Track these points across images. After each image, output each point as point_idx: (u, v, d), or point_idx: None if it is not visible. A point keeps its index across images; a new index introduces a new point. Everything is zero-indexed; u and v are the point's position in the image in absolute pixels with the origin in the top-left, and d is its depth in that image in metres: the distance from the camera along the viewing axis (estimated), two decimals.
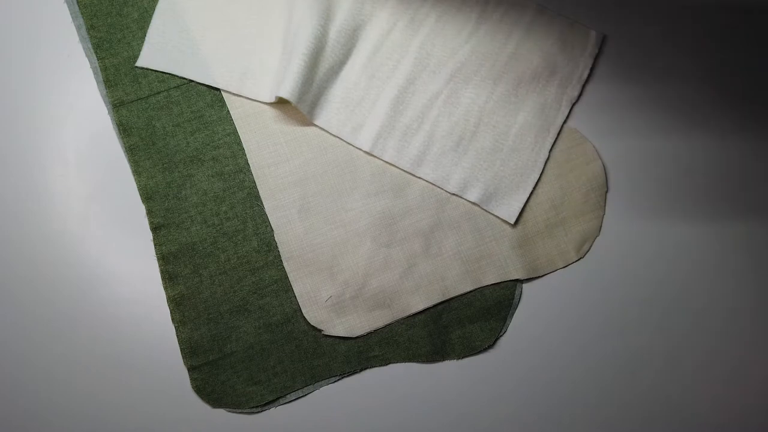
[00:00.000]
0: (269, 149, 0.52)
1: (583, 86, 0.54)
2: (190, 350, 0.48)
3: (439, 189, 0.52)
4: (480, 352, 0.49)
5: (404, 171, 0.52)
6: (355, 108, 0.53)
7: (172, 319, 0.49)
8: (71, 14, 0.55)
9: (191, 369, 0.48)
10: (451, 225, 0.51)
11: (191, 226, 0.50)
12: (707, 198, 0.53)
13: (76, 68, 0.54)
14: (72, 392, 0.47)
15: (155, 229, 0.50)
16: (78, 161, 0.52)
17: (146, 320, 0.49)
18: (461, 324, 0.50)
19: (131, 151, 0.52)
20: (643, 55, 0.55)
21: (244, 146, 0.52)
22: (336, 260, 0.50)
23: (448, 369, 0.49)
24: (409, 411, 0.48)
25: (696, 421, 0.48)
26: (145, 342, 0.48)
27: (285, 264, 0.50)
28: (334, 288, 0.49)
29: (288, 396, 0.48)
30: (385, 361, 0.49)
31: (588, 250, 0.51)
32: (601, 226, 0.52)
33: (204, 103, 0.53)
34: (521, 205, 0.51)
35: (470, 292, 0.50)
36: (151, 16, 0.55)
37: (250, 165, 0.52)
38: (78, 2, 0.55)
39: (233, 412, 0.47)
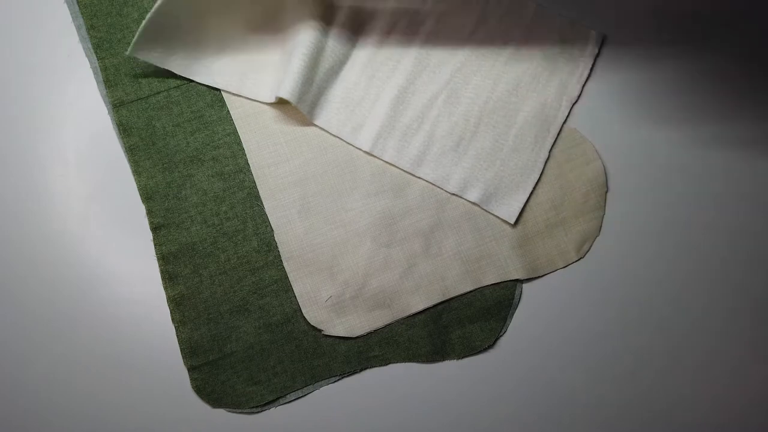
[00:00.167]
0: (269, 149, 0.52)
1: (583, 86, 0.54)
2: (190, 350, 0.48)
3: (439, 189, 0.52)
4: (480, 352, 0.49)
5: (404, 171, 0.52)
6: (355, 108, 0.53)
7: (172, 319, 0.49)
8: (71, 14, 0.55)
9: (191, 369, 0.48)
10: (451, 225, 0.51)
11: (191, 226, 0.50)
12: (708, 198, 0.53)
13: (76, 68, 0.54)
14: (72, 392, 0.47)
15: (155, 229, 0.50)
16: (78, 161, 0.52)
17: (146, 320, 0.49)
18: (461, 324, 0.50)
19: (131, 151, 0.52)
20: (643, 55, 0.55)
21: (244, 146, 0.52)
22: (336, 260, 0.50)
23: (448, 369, 0.49)
24: (409, 411, 0.48)
25: (696, 421, 0.48)
26: (145, 342, 0.48)
27: (285, 264, 0.50)
28: (334, 288, 0.49)
29: (288, 396, 0.48)
30: (385, 361, 0.49)
31: (588, 250, 0.51)
32: (601, 226, 0.52)
33: (204, 103, 0.53)
34: (521, 205, 0.51)
35: (470, 292, 0.50)
36: None
37: (250, 165, 0.52)
38: (78, 2, 0.55)
39: (233, 412, 0.47)
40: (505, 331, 0.50)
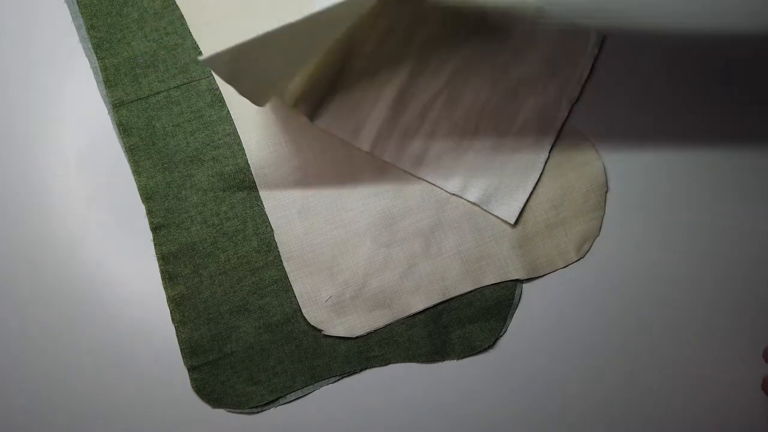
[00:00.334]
0: (269, 149, 0.52)
1: (583, 86, 0.54)
2: (190, 350, 0.48)
3: (438, 189, 0.52)
4: (480, 352, 0.49)
5: (404, 171, 0.52)
6: (354, 108, 0.53)
7: (172, 319, 0.49)
8: (71, 14, 0.55)
9: (191, 369, 0.48)
10: (451, 225, 0.51)
11: (191, 226, 0.50)
12: (708, 198, 0.53)
13: (76, 68, 0.54)
14: (71, 392, 0.47)
15: (155, 229, 0.50)
16: (78, 161, 0.52)
17: (146, 320, 0.49)
18: (461, 324, 0.50)
19: (131, 151, 0.52)
20: (644, 56, 0.55)
21: (244, 146, 0.52)
22: (336, 260, 0.50)
23: (448, 369, 0.49)
24: (409, 411, 0.48)
25: (696, 422, 0.48)
26: (145, 342, 0.48)
27: (285, 264, 0.50)
28: (334, 288, 0.49)
29: (288, 396, 0.48)
30: (385, 361, 0.49)
31: (588, 250, 0.51)
32: (601, 226, 0.52)
33: (204, 103, 0.53)
34: (521, 205, 0.51)
35: (470, 292, 0.50)
36: (151, 16, 0.55)
37: (250, 165, 0.52)
38: (78, 2, 0.55)
39: (233, 412, 0.47)
40: (505, 331, 0.50)
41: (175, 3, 0.56)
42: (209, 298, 0.49)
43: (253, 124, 0.53)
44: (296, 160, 0.52)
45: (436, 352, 0.49)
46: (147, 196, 0.51)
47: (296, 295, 0.49)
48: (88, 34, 0.54)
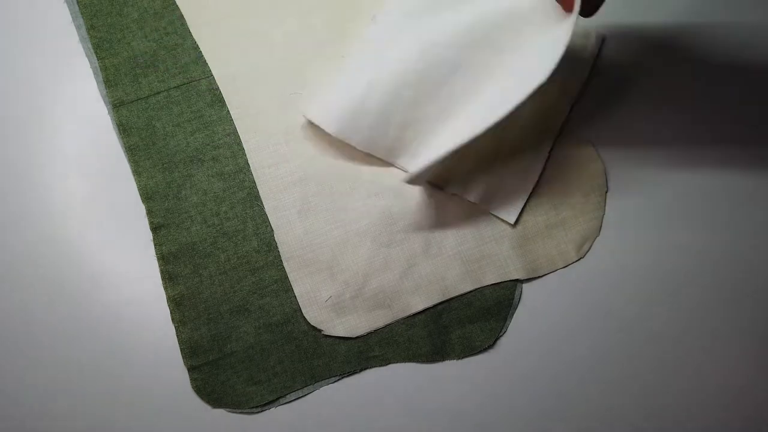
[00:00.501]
0: (269, 149, 0.52)
1: (584, 86, 0.54)
2: (190, 350, 0.48)
3: (439, 189, 0.52)
4: (480, 352, 0.49)
5: (404, 171, 0.52)
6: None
7: (172, 319, 0.49)
8: (71, 14, 0.55)
9: (191, 369, 0.48)
10: (451, 225, 0.51)
11: (191, 226, 0.50)
12: (708, 198, 0.53)
13: (76, 68, 0.54)
14: (71, 392, 0.47)
15: (155, 229, 0.50)
16: (78, 161, 0.52)
17: (146, 320, 0.49)
18: (461, 324, 0.50)
19: (131, 151, 0.52)
20: (644, 56, 0.55)
21: (244, 146, 0.52)
22: (336, 260, 0.50)
23: (448, 369, 0.49)
24: (409, 411, 0.48)
25: (696, 422, 0.48)
26: (145, 342, 0.48)
27: (285, 264, 0.50)
28: (334, 288, 0.49)
29: (288, 396, 0.48)
30: (385, 361, 0.49)
31: (588, 250, 0.51)
32: (601, 226, 0.52)
33: (204, 103, 0.53)
34: (521, 205, 0.51)
35: (470, 292, 0.50)
36: (151, 16, 0.55)
37: (250, 165, 0.52)
38: (78, 2, 0.55)
39: (233, 412, 0.47)
40: (505, 331, 0.50)
41: (175, 3, 0.56)
42: (209, 298, 0.49)
43: (253, 124, 0.53)
44: (296, 160, 0.52)
45: (436, 352, 0.49)
46: (147, 196, 0.51)
47: (296, 295, 0.49)
48: (88, 34, 0.54)
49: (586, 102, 0.54)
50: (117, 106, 0.53)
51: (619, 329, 0.50)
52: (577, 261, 0.51)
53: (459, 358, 0.49)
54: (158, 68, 0.54)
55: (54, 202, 0.51)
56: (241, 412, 0.47)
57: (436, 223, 0.51)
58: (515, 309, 0.50)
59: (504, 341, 0.50)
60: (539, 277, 0.51)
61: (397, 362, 0.49)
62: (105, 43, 0.54)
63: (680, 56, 0.55)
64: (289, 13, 0.56)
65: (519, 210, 0.51)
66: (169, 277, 0.49)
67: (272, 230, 0.51)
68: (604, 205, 0.52)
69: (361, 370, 0.49)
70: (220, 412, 0.47)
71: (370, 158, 0.52)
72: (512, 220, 0.51)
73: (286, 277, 0.50)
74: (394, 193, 0.52)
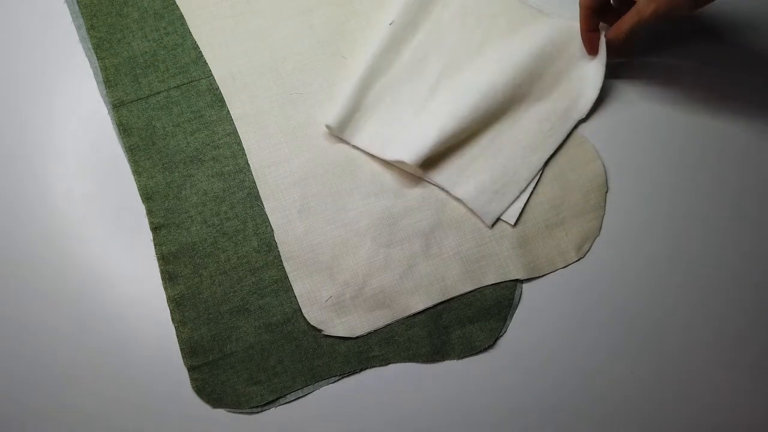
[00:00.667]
0: (269, 149, 0.52)
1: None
2: (190, 350, 0.48)
3: (438, 189, 0.52)
4: (480, 352, 0.49)
5: (404, 171, 0.52)
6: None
7: (172, 319, 0.49)
8: (71, 14, 0.55)
9: (191, 369, 0.48)
10: (451, 225, 0.51)
11: (191, 226, 0.50)
12: (708, 198, 0.53)
13: (76, 68, 0.54)
14: (71, 392, 0.47)
15: (155, 229, 0.50)
16: (78, 161, 0.52)
17: (146, 320, 0.49)
18: (461, 324, 0.50)
19: (131, 151, 0.52)
20: (643, 55, 0.55)
21: (244, 146, 0.52)
22: (336, 260, 0.50)
23: (448, 369, 0.49)
24: (409, 411, 0.48)
25: (696, 421, 0.48)
26: (145, 342, 0.48)
27: (285, 264, 0.50)
28: (334, 288, 0.49)
29: (288, 396, 0.48)
30: (385, 361, 0.49)
31: (588, 250, 0.51)
32: (601, 226, 0.52)
33: (204, 103, 0.53)
34: (521, 205, 0.51)
35: (470, 292, 0.50)
36: (151, 16, 0.55)
37: (250, 165, 0.52)
38: (78, 2, 0.55)
39: (233, 412, 0.47)
40: (505, 331, 0.50)
41: (175, 3, 0.56)
42: (209, 298, 0.49)
43: (253, 124, 0.53)
44: (296, 160, 0.52)
45: (436, 352, 0.49)
46: (147, 196, 0.51)
47: (296, 295, 0.49)
48: (88, 34, 0.54)
49: None
50: (117, 106, 0.53)
51: (620, 329, 0.50)
52: (577, 261, 0.51)
53: (459, 358, 0.49)
54: (158, 68, 0.54)
55: (54, 202, 0.51)
56: (241, 412, 0.47)
57: (436, 223, 0.51)
58: (515, 309, 0.50)
59: (504, 341, 0.50)
60: (539, 277, 0.51)
61: (397, 362, 0.49)
62: (105, 43, 0.54)
63: (680, 56, 0.55)
64: (289, 13, 0.56)
65: (519, 210, 0.51)
66: (169, 277, 0.49)
67: (272, 230, 0.51)
68: (604, 205, 0.52)
69: (361, 370, 0.49)
70: (220, 412, 0.47)
71: (371, 158, 0.52)
72: (512, 221, 0.51)
73: (286, 277, 0.50)
74: (394, 193, 0.52)
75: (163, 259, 0.50)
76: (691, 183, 0.53)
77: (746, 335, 0.50)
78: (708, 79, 0.55)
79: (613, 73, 0.54)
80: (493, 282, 0.50)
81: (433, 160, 0.51)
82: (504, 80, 0.52)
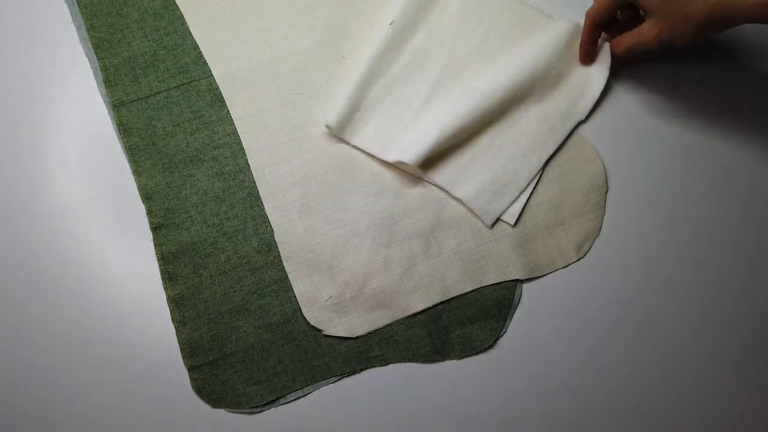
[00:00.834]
0: (269, 149, 0.52)
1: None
2: (190, 350, 0.48)
3: (438, 189, 0.52)
4: (480, 352, 0.49)
5: (405, 171, 0.52)
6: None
7: (172, 319, 0.49)
8: (71, 14, 0.55)
9: (191, 369, 0.48)
10: (451, 225, 0.51)
11: (191, 226, 0.50)
12: (708, 198, 0.53)
13: (76, 68, 0.54)
14: (71, 392, 0.47)
15: (155, 229, 0.50)
16: (78, 161, 0.52)
17: (146, 320, 0.49)
18: (461, 324, 0.50)
19: (131, 151, 0.52)
20: (644, 55, 0.55)
21: (244, 146, 0.52)
22: (336, 260, 0.50)
23: (448, 369, 0.49)
24: (409, 411, 0.48)
25: (695, 422, 0.48)
26: (145, 342, 0.48)
27: (285, 264, 0.50)
28: (334, 288, 0.49)
29: (288, 396, 0.48)
30: (385, 361, 0.49)
31: (588, 250, 0.51)
32: (601, 226, 0.52)
33: (204, 103, 0.53)
34: (521, 205, 0.51)
35: (470, 292, 0.50)
36: (151, 16, 0.55)
37: (250, 165, 0.52)
38: (78, 2, 0.55)
39: (233, 412, 0.47)
40: (505, 331, 0.50)
41: (175, 3, 0.56)
42: (209, 298, 0.49)
43: (253, 124, 0.53)
44: (296, 160, 0.52)
45: (436, 352, 0.49)
46: (147, 196, 0.51)
47: (296, 295, 0.49)
48: (88, 34, 0.54)
49: None
50: (117, 106, 0.53)
51: (620, 329, 0.50)
52: (577, 261, 0.51)
53: (459, 358, 0.49)
54: (158, 68, 0.54)
55: (54, 202, 0.51)
56: (241, 412, 0.47)
57: (436, 223, 0.51)
58: (515, 309, 0.50)
59: (504, 341, 0.50)
60: (539, 277, 0.51)
61: (397, 362, 0.49)
62: (105, 43, 0.54)
63: (681, 57, 0.55)
64: (289, 13, 0.56)
65: (519, 210, 0.51)
66: (169, 277, 0.49)
67: (272, 230, 0.51)
68: (604, 205, 0.52)
69: (361, 370, 0.49)
70: (220, 412, 0.47)
71: (371, 158, 0.52)
72: (512, 221, 0.51)
73: (286, 277, 0.50)
74: (394, 193, 0.52)
75: (163, 259, 0.50)
76: (691, 183, 0.53)
77: (747, 335, 0.50)
78: (708, 79, 0.55)
79: (613, 74, 0.54)
80: (493, 282, 0.50)
81: (433, 160, 0.51)
82: (504, 80, 0.52)
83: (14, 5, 0.55)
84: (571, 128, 0.53)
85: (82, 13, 0.55)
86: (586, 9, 0.52)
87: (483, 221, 0.51)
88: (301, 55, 0.55)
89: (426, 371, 0.49)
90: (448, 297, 0.50)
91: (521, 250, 0.51)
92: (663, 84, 0.55)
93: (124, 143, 0.52)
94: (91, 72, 0.54)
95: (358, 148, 0.52)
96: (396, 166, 0.52)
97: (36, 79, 0.54)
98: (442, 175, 0.51)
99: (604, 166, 0.53)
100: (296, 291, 0.49)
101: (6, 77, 0.54)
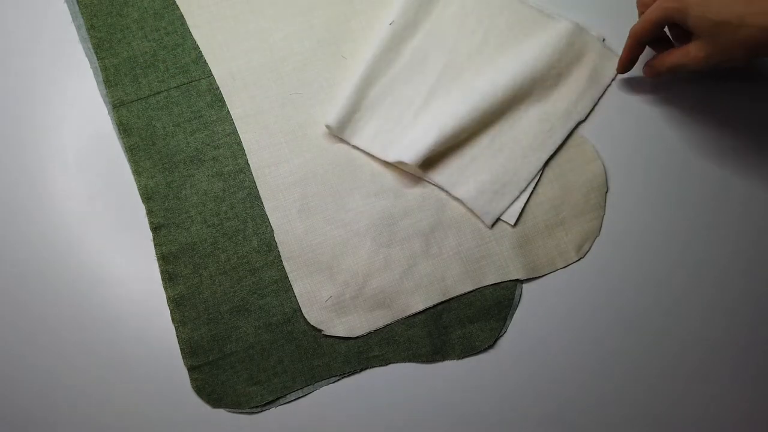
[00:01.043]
0: (269, 149, 0.52)
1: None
2: (190, 350, 0.48)
3: (438, 189, 0.52)
4: (480, 352, 0.49)
5: (405, 171, 0.52)
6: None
7: (172, 319, 0.49)
8: (71, 14, 0.55)
9: (191, 369, 0.48)
10: (451, 225, 0.51)
11: (191, 226, 0.50)
12: (708, 198, 0.53)
13: (76, 68, 0.54)
14: (71, 392, 0.47)
15: (155, 229, 0.50)
16: (78, 161, 0.52)
17: (146, 320, 0.49)
18: (461, 324, 0.50)
19: (131, 151, 0.52)
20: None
21: (244, 146, 0.52)
22: (336, 260, 0.50)
23: (448, 369, 0.49)
24: (409, 411, 0.48)
25: (695, 422, 0.48)
26: (145, 342, 0.48)
27: (285, 264, 0.50)
28: (334, 288, 0.49)
29: (288, 396, 0.48)
30: (385, 361, 0.49)
31: (588, 250, 0.51)
32: (601, 226, 0.52)
33: (204, 103, 0.53)
34: (521, 205, 0.51)
35: (470, 292, 0.50)
36: (151, 16, 0.55)
37: (250, 165, 0.52)
38: (78, 2, 0.55)
39: (233, 412, 0.47)
40: (505, 331, 0.50)
41: (175, 3, 0.56)
42: (209, 298, 0.49)
43: (253, 124, 0.53)
44: (296, 160, 0.52)
45: (436, 352, 0.49)
46: (147, 196, 0.51)
47: (296, 295, 0.49)
48: (88, 34, 0.54)
49: None
50: (117, 106, 0.53)
51: (620, 329, 0.50)
52: (577, 261, 0.51)
53: (459, 358, 0.49)
54: (158, 68, 0.54)
55: (54, 203, 0.51)
56: (241, 412, 0.47)
57: (436, 223, 0.51)
58: (515, 309, 0.50)
59: (504, 341, 0.50)
60: (539, 277, 0.51)
61: (397, 362, 0.49)
62: (105, 43, 0.54)
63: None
64: (289, 13, 0.56)
65: (519, 210, 0.51)
66: (169, 277, 0.49)
67: (272, 230, 0.51)
68: (604, 205, 0.52)
69: (361, 370, 0.49)
70: (220, 412, 0.47)
71: (371, 158, 0.52)
72: (512, 221, 0.51)
73: (286, 277, 0.50)
74: (394, 193, 0.52)
75: (163, 259, 0.50)
76: (691, 183, 0.53)
77: (747, 335, 0.50)
78: (708, 79, 0.55)
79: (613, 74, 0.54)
80: (493, 282, 0.50)
81: (433, 160, 0.51)
82: (504, 80, 0.52)
83: (14, 5, 0.55)
84: (571, 128, 0.53)
85: (82, 13, 0.55)
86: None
87: (483, 221, 0.51)
88: (301, 55, 0.55)
89: (426, 371, 0.49)
90: (448, 297, 0.50)
91: (521, 250, 0.51)
92: (663, 84, 0.55)
93: (124, 143, 0.52)
94: (91, 72, 0.54)
95: (358, 148, 0.52)
96: (396, 166, 0.52)
97: (36, 79, 0.54)
98: (442, 175, 0.51)
99: (604, 166, 0.53)
100: (296, 291, 0.49)
101: (6, 77, 0.54)
